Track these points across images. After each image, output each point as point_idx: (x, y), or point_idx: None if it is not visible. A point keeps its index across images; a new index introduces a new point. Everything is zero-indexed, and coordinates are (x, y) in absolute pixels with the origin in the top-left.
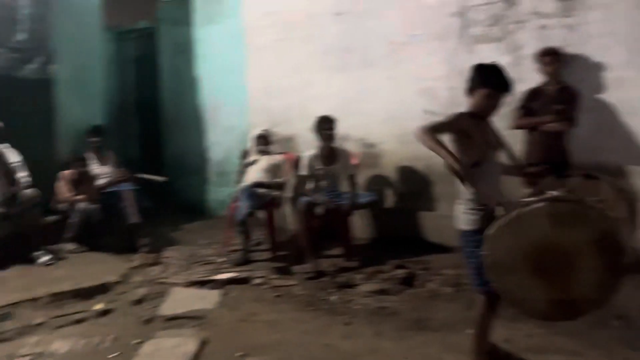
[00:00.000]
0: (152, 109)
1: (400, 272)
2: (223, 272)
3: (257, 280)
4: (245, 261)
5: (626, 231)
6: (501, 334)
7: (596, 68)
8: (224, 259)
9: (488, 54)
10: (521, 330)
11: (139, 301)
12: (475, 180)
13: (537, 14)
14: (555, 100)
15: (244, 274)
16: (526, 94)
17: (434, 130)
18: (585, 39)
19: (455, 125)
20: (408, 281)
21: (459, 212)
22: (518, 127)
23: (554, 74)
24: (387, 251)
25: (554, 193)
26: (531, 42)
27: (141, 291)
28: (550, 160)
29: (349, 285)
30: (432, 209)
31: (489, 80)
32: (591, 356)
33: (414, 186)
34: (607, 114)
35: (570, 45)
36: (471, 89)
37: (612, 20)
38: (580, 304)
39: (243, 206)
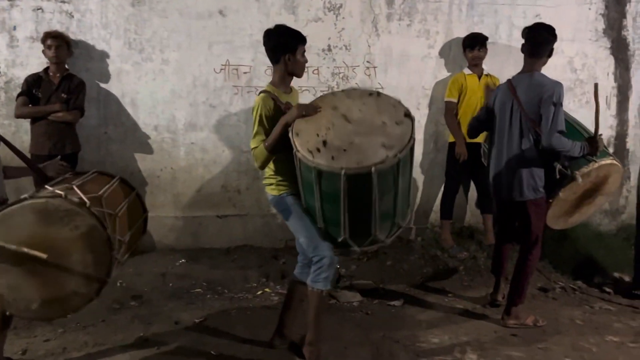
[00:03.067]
0: None
1: None
2: None
3: None
4: None
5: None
6: (18, 345)
7: (99, 59)
8: None
9: None
10: (38, 337)
11: None
12: None
13: None
14: (60, 88)
15: None
16: (28, 80)
17: None
18: (86, 27)
19: None
20: None
21: None
22: (21, 116)
23: (59, 60)
24: None
25: (49, 190)
26: (28, 24)
27: None
28: (59, 151)
29: None
30: None
31: None
32: (113, 341)
33: None
34: (112, 104)
35: (72, 32)
36: None
37: (108, 13)
38: (73, 299)
39: None
